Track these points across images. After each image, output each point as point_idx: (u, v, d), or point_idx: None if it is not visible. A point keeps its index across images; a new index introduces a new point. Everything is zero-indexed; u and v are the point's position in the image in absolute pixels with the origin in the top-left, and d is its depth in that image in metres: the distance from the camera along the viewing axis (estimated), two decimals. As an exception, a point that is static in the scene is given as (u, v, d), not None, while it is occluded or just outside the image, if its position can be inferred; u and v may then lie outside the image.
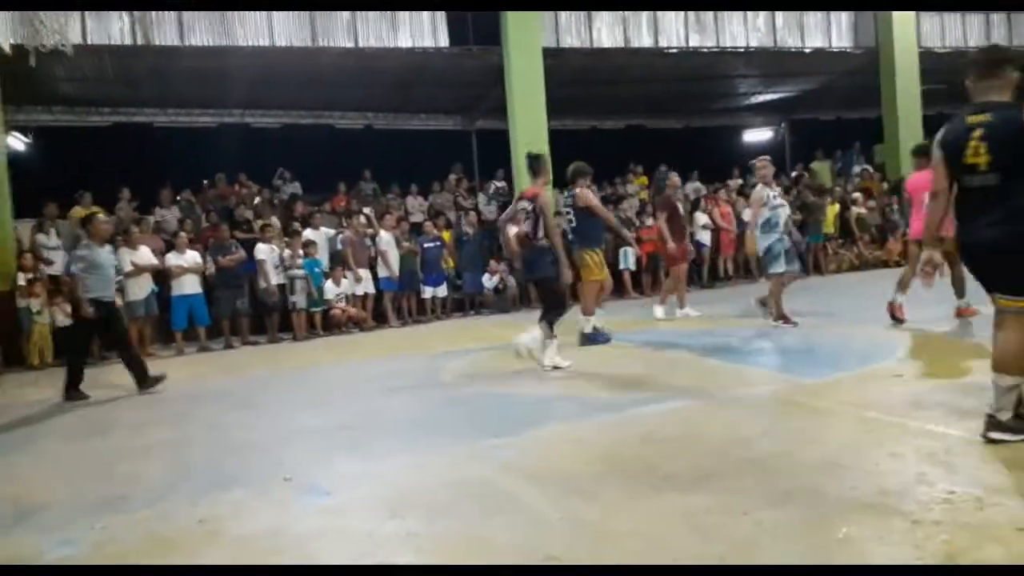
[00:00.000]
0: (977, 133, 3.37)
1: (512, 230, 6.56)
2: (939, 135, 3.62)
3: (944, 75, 16.76)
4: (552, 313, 6.34)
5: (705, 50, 15.25)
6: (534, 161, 6.70)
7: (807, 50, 16.01)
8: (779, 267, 7.71)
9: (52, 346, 10.43)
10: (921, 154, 7.06)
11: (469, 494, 3.36)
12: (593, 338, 7.65)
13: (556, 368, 6.18)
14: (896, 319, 7.14)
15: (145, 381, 7.23)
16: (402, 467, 3.91)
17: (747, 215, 14.62)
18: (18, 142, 14.16)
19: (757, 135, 21.46)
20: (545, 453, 3.91)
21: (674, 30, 15.02)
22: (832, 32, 16.24)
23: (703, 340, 7.46)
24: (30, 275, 10.54)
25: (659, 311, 9.43)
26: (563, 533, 2.80)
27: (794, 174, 17.23)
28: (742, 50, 15.55)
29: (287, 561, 2.76)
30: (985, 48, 3.84)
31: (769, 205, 7.80)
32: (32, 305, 10.32)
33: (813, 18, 16.10)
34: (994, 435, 3.34)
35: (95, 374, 9.34)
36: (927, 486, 2.92)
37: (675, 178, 10.55)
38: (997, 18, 17.21)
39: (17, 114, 13.38)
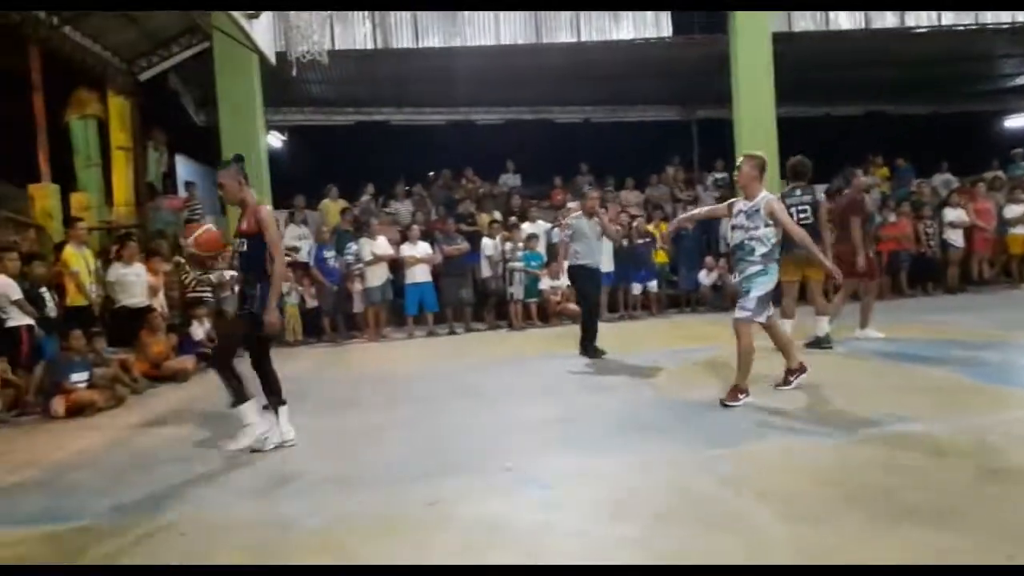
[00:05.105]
0: None
1: None
2: None
3: None
4: None
5: (961, 28, 13.67)
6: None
7: (1090, 22, 13.84)
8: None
9: (302, 325, 11.57)
10: None
11: (692, 504, 3.28)
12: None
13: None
14: None
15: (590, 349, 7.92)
16: (622, 467, 3.90)
17: (1009, 212, 12.96)
18: (276, 140, 15.86)
19: (1021, 121, 18.93)
20: (769, 470, 3.72)
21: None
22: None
23: (949, 352, 6.68)
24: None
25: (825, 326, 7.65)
26: (795, 561, 2.66)
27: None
28: (1007, 27, 13.75)
29: (510, 555, 2.85)
30: None
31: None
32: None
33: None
34: None
35: (338, 352, 10.30)
36: None
37: (862, 178, 9.34)
38: None
39: (275, 115, 14.98)
